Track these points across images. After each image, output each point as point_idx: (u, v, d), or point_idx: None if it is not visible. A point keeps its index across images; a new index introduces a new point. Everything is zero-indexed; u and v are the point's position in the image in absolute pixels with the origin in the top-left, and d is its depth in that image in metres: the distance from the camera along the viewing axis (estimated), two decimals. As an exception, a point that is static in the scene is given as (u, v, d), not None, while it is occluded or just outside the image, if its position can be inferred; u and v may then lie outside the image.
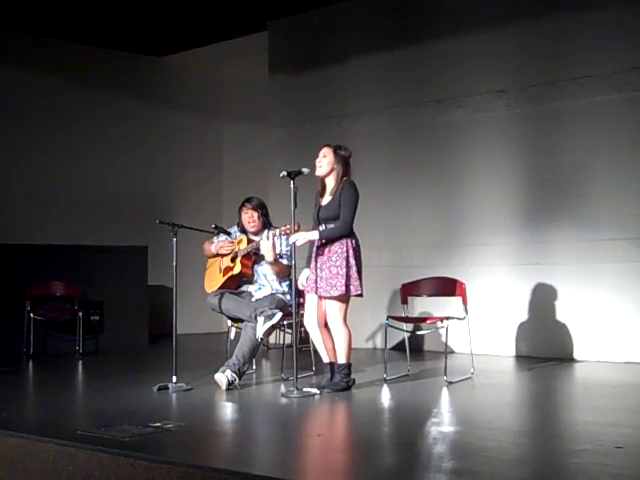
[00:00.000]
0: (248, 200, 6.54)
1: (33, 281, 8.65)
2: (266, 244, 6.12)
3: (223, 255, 6.49)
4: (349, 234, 5.77)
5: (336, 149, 5.86)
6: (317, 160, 5.86)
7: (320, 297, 5.85)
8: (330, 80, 9.56)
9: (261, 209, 6.50)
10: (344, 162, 5.86)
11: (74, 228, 9.92)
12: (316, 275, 5.82)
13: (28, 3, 9.07)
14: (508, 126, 8.22)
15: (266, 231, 6.43)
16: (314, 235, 5.78)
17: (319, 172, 5.86)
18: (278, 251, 6.29)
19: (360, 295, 5.81)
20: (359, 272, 5.79)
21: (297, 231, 5.78)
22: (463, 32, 8.51)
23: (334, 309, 5.79)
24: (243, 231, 6.54)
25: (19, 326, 8.43)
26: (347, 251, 5.75)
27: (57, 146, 10.20)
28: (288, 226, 5.88)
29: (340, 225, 5.74)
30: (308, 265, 5.96)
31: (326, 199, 5.90)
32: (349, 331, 5.83)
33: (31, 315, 8.45)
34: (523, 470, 3.71)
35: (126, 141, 10.79)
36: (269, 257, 6.16)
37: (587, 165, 7.71)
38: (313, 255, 5.88)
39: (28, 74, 10.05)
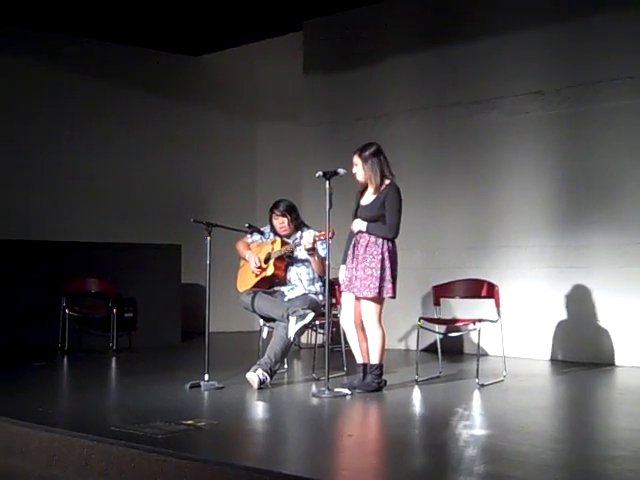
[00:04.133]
0: (276, 206, 6.46)
1: (69, 277, 8.75)
2: (308, 239, 6.13)
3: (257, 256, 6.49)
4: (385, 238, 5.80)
5: (361, 153, 5.85)
6: (353, 170, 5.90)
7: (356, 297, 5.86)
8: (364, 81, 9.54)
9: (290, 213, 6.43)
10: (375, 158, 5.83)
11: (109, 226, 10.01)
12: (351, 274, 5.84)
13: (64, 2, 9.16)
14: (543, 128, 8.15)
15: (299, 232, 6.43)
16: (362, 225, 5.81)
17: (358, 179, 5.90)
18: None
19: (392, 297, 5.81)
20: (393, 275, 5.80)
21: (331, 237, 5.83)
22: (498, 33, 8.45)
23: (369, 309, 5.80)
24: (275, 233, 6.54)
25: (54, 321, 8.53)
26: (382, 254, 5.76)
27: (92, 144, 10.29)
28: (323, 232, 5.91)
29: (386, 229, 5.78)
30: (344, 261, 5.98)
31: (367, 198, 5.91)
32: (383, 332, 5.83)
33: (66, 311, 8.55)
34: (556, 475, 3.68)
35: (161, 140, 10.87)
36: (308, 245, 6.11)
37: (623, 168, 7.62)
38: (350, 253, 5.90)
39: (64, 73, 10.17)
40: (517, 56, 8.33)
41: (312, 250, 6.17)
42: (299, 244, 6.24)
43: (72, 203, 10.05)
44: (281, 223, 6.44)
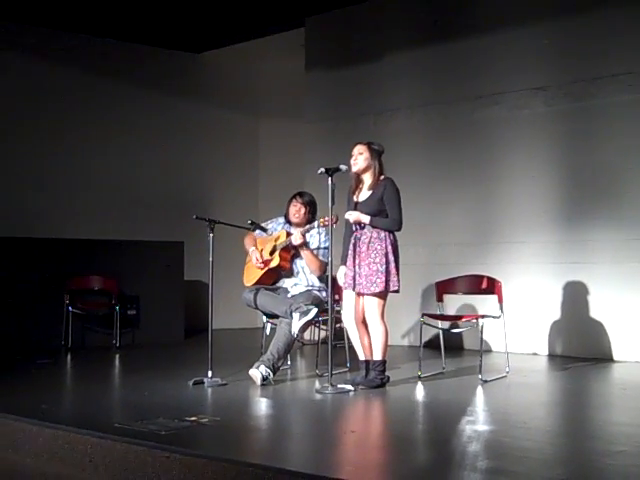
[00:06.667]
0: (300, 194, 6.60)
1: (72, 275, 8.76)
2: (297, 232, 6.24)
3: (262, 249, 6.52)
4: (389, 231, 5.83)
5: (370, 145, 5.90)
6: (352, 159, 5.89)
7: (359, 294, 5.87)
8: (366, 77, 9.54)
9: (310, 206, 6.54)
10: (379, 157, 5.91)
11: (112, 223, 10.03)
12: (354, 272, 5.85)
13: (68, 0, 9.17)
14: (546, 123, 8.14)
15: (307, 225, 6.47)
16: (365, 218, 5.80)
17: (355, 168, 5.89)
18: (316, 245, 6.38)
19: (397, 291, 5.83)
20: (397, 268, 5.82)
21: (335, 223, 5.84)
22: (501, 28, 8.44)
23: (373, 305, 5.81)
24: (288, 222, 6.58)
25: (58, 319, 8.55)
26: (386, 247, 5.78)
27: (95, 142, 10.30)
28: (327, 218, 5.92)
29: (391, 222, 5.82)
30: (344, 262, 5.98)
31: (364, 195, 5.93)
32: (386, 328, 5.85)
33: (70, 308, 8.57)
34: (558, 470, 3.69)
35: (164, 137, 10.88)
36: (296, 239, 6.24)
37: (626, 163, 7.62)
38: (350, 252, 5.90)
39: (64, 71, 10.16)
40: (519, 52, 8.32)
41: (302, 246, 6.23)
42: (309, 229, 6.26)
43: (75, 201, 10.06)
44: (297, 210, 6.51)
